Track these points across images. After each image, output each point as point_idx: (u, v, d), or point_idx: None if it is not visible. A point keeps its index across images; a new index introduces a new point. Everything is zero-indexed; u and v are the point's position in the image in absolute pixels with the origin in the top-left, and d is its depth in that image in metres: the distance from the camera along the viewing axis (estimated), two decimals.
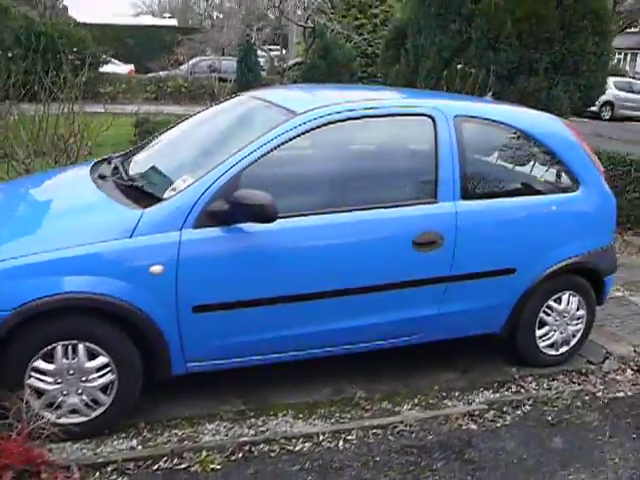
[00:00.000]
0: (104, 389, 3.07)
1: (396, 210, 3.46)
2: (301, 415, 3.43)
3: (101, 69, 17.78)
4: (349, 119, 3.44)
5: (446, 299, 3.65)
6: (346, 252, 3.35)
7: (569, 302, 4.04)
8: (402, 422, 3.23)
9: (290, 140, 3.28)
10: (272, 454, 2.96)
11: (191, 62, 20.00)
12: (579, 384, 3.98)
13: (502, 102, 5.02)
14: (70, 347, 2.96)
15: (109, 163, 3.85)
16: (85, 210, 3.30)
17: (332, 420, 3.40)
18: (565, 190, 3.93)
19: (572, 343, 4.16)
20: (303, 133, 3.32)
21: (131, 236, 2.99)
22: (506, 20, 7.78)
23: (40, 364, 2.94)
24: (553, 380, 4.01)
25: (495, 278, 3.74)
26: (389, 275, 3.46)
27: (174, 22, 23.61)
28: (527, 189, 3.89)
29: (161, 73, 18.77)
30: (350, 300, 3.40)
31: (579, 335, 4.17)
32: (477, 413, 3.44)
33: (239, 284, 3.16)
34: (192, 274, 3.07)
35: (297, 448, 3.02)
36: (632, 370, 4.19)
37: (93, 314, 2.98)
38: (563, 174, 3.95)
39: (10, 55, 15.03)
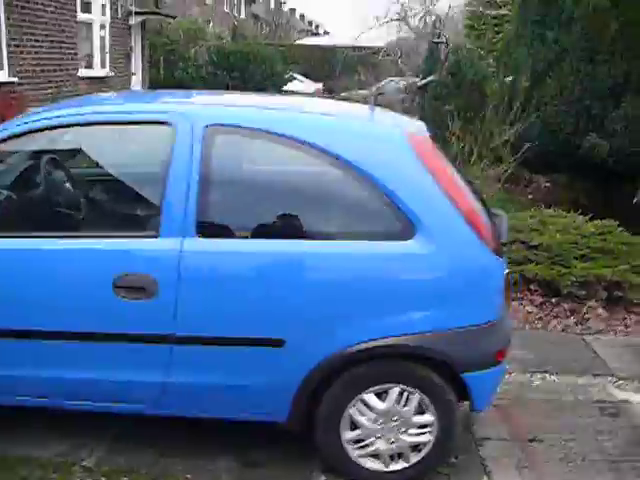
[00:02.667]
0: None
1: (95, 241, 2.74)
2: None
3: (286, 87, 18.47)
4: (72, 125, 2.84)
5: (176, 365, 2.79)
6: (18, 286, 2.74)
7: (401, 401, 2.84)
8: None
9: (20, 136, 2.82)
10: None
11: (381, 83, 19.80)
12: None
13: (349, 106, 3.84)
14: None
15: None
16: None
17: None
18: (386, 236, 2.75)
19: (414, 460, 2.93)
20: (39, 130, 2.84)
21: None
22: (609, 24, 6.08)
23: None
24: None
25: (252, 349, 2.76)
26: (81, 322, 2.75)
27: (381, 44, 23.60)
28: (316, 230, 2.80)
29: (343, 94, 18.85)
30: (31, 345, 2.78)
31: (427, 450, 2.91)
32: None
33: None
34: None
35: None
36: None
37: None
38: (386, 213, 2.74)
39: (203, 73, 16.53)
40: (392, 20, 13.79)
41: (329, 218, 2.84)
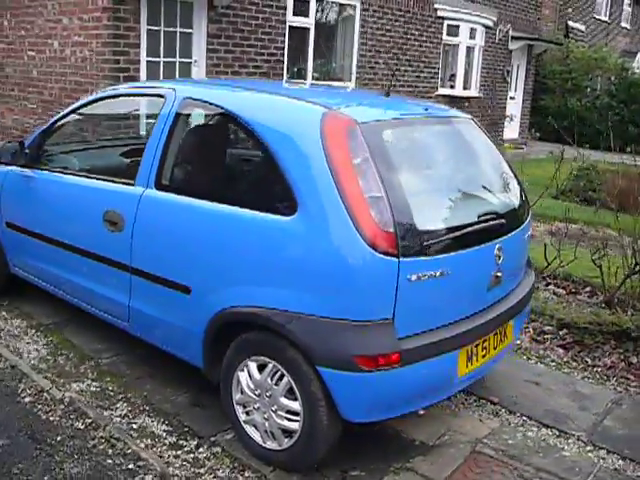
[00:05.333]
0: None
1: (97, 183, 3.70)
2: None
3: None
4: (116, 96, 3.88)
5: (134, 293, 3.49)
6: (54, 205, 3.94)
7: (274, 378, 2.97)
8: None
9: (83, 107, 4.04)
10: None
11: None
12: None
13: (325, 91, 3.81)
14: None
15: None
16: None
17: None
18: (275, 210, 2.88)
19: (285, 445, 3.00)
20: (93, 102, 4.02)
21: None
22: None
23: None
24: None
25: (171, 290, 3.26)
26: (86, 242, 3.70)
27: None
28: (230, 196, 3.06)
29: None
30: (59, 252, 3.89)
31: (295, 439, 2.95)
32: None
33: (20, 213, 4.24)
34: (3, 195, 4.32)
35: None
36: None
37: None
38: (282, 189, 2.86)
39: (596, 104, 15.85)
40: None
41: (239, 185, 3.13)
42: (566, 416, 3.71)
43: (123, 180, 3.57)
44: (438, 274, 2.85)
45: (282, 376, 2.93)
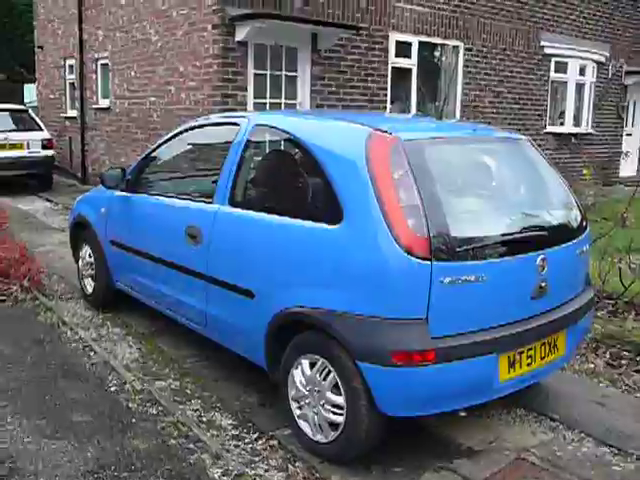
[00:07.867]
0: None
1: (181, 202, 4.21)
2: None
3: None
4: (202, 126, 4.45)
5: (209, 299, 3.90)
6: (148, 223, 4.50)
7: (322, 374, 3.25)
8: None
9: (173, 138, 4.60)
10: None
11: None
12: None
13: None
14: None
15: None
16: None
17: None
18: (325, 220, 3.19)
19: (330, 438, 3.26)
20: (180, 133, 4.57)
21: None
22: None
23: None
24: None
25: (238, 295, 3.65)
26: (173, 255, 4.18)
27: None
28: (287, 208, 3.42)
29: None
30: (152, 265, 4.43)
31: (339, 432, 3.20)
32: None
33: (120, 231, 4.85)
34: (109, 217, 4.96)
35: None
36: None
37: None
38: (330, 200, 3.18)
39: None
40: None
41: (296, 198, 3.45)
42: (629, 436, 3.68)
43: (204, 199, 4.04)
44: (473, 279, 3.04)
45: (329, 372, 3.20)
